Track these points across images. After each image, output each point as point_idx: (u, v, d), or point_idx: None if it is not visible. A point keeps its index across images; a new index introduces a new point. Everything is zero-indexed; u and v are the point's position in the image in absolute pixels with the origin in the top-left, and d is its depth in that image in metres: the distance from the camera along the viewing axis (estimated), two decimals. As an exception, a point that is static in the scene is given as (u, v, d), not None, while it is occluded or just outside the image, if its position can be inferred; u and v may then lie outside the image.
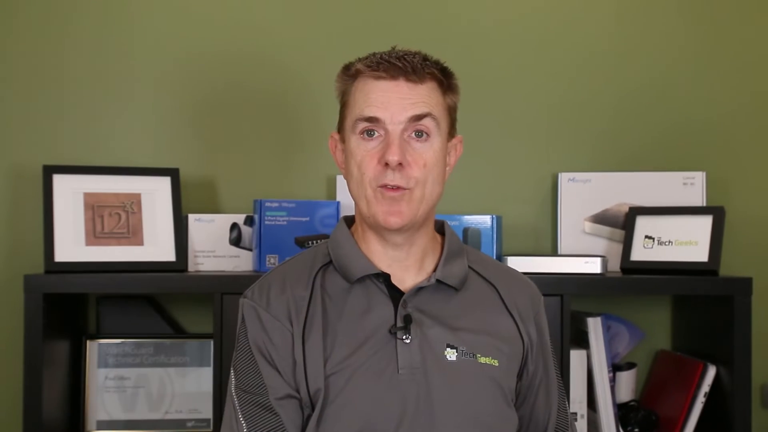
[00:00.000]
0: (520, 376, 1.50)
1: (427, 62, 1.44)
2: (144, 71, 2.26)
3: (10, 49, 2.23)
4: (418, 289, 1.45)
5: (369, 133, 1.42)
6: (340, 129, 1.49)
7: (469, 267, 1.52)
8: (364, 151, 1.42)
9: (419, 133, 1.42)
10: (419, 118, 1.41)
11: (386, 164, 1.39)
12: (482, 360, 1.43)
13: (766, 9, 2.33)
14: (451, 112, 1.48)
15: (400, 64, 1.41)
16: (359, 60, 1.46)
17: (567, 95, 2.32)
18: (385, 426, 1.38)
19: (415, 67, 1.41)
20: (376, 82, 1.42)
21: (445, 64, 1.47)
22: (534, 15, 2.32)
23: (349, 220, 1.54)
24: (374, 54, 1.45)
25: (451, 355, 1.42)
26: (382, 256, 1.47)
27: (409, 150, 1.41)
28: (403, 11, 2.30)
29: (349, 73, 1.46)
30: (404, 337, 1.41)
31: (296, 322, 1.43)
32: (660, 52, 2.33)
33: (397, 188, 1.40)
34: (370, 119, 1.41)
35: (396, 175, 1.40)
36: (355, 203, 1.46)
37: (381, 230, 1.44)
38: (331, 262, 1.49)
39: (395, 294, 1.45)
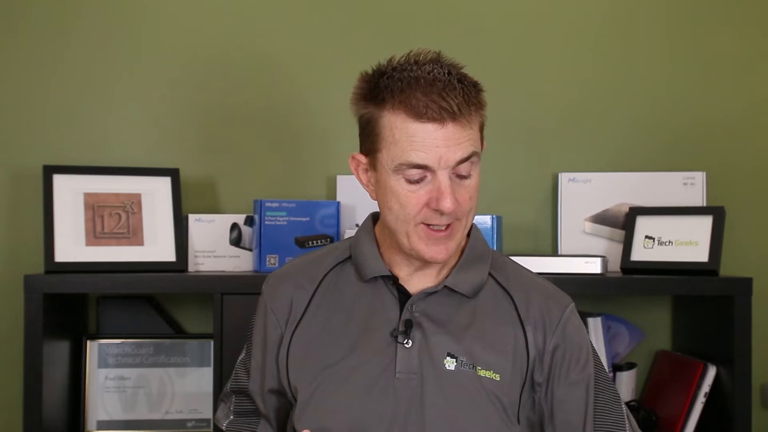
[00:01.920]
0: (532, 390, 1.44)
1: (468, 95, 1.33)
2: (144, 71, 2.26)
3: (11, 49, 2.23)
4: (428, 294, 1.43)
5: (415, 178, 1.34)
6: (367, 154, 1.40)
7: (490, 274, 1.47)
8: (408, 192, 1.35)
9: (463, 175, 1.37)
10: (466, 159, 1.34)
11: (436, 209, 1.34)
12: (481, 373, 1.39)
13: (766, 10, 2.33)
14: (482, 129, 1.41)
15: (446, 105, 1.31)
16: (392, 89, 1.34)
17: (567, 95, 2.32)
18: (375, 428, 1.37)
19: (461, 107, 1.32)
20: (419, 124, 1.32)
21: (476, 81, 1.38)
22: (534, 14, 2.32)
23: (377, 216, 1.50)
24: (404, 74, 1.34)
25: (450, 364, 1.39)
26: (402, 261, 1.44)
27: (457, 189, 1.35)
28: (401, 12, 2.30)
29: (379, 100, 1.35)
30: (404, 341, 1.40)
31: (292, 317, 1.46)
32: (661, 52, 2.32)
33: (446, 227, 1.36)
34: (418, 166, 1.33)
35: (445, 217, 1.35)
36: (393, 233, 1.40)
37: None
38: (350, 257, 1.49)
39: (404, 297, 1.43)
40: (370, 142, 1.38)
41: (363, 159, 1.42)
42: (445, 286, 1.43)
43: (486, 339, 1.42)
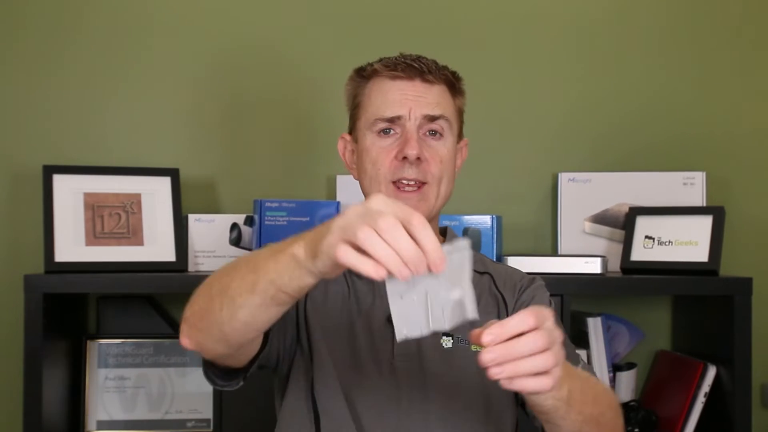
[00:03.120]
0: None
1: (438, 66, 1.48)
2: (144, 71, 2.26)
3: (11, 49, 2.23)
4: None
5: (386, 131, 1.46)
6: (352, 130, 1.53)
7: None
8: (379, 147, 1.46)
9: (434, 132, 1.46)
10: (434, 118, 1.46)
11: (404, 158, 1.43)
12: (475, 348, 1.42)
13: (765, 8, 2.33)
14: (460, 115, 1.53)
15: (416, 65, 1.45)
16: (372, 63, 1.50)
17: (567, 95, 2.32)
18: (379, 411, 1.39)
19: (430, 68, 1.46)
20: (392, 82, 1.46)
21: (453, 69, 1.52)
22: (534, 15, 2.32)
23: None
24: (385, 58, 1.50)
25: (447, 342, 1.43)
26: None
27: (426, 146, 1.45)
28: (402, 15, 2.30)
29: (364, 75, 1.50)
30: None
31: None
32: (660, 51, 2.33)
33: (416, 189, 1.44)
34: (390, 119, 1.45)
35: (413, 170, 1.44)
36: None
37: None
38: None
39: None
40: (354, 115, 1.52)
41: (348, 137, 1.54)
42: None
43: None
